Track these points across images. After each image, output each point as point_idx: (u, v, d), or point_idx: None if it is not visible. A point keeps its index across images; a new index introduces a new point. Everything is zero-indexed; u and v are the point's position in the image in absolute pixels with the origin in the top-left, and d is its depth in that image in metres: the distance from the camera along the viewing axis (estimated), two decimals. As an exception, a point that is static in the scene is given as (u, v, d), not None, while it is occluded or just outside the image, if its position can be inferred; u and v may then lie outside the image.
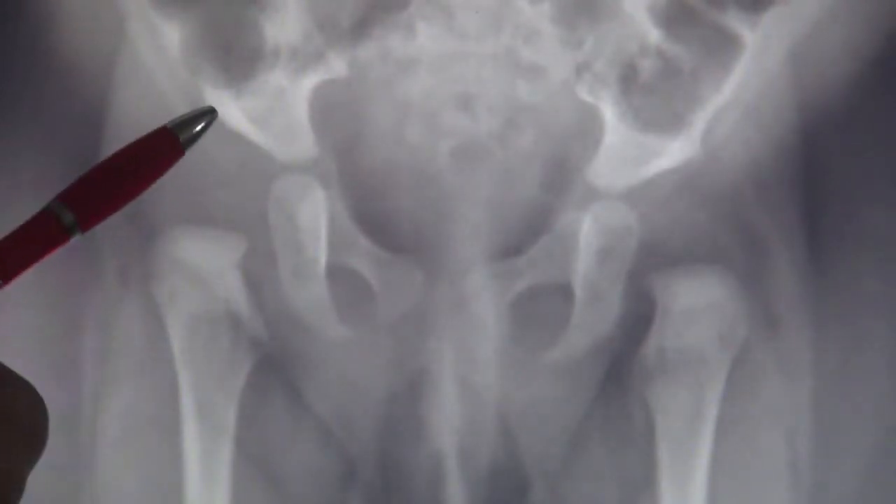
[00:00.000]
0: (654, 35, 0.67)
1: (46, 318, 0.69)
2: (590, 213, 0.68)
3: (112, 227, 0.69)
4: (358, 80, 0.67)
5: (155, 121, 0.68)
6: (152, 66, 0.68)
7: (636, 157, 0.68)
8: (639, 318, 0.69)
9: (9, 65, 0.69)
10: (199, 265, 0.69)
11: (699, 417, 0.68)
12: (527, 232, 0.68)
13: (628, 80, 0.67)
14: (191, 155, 0.69)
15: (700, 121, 0.67)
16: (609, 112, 0.67)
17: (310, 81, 0.67)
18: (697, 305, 0.69)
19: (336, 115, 0.68)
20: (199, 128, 0.55)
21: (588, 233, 0.68)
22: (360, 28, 0.67)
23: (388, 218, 0.68)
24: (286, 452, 0.70)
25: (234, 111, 0.68)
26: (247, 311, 0.69)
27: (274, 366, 0.69)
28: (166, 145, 0.54)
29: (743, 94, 0.67)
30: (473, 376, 0.68)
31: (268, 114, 0.68)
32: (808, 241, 0.68)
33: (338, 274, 0.69)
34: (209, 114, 0.53)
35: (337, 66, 0.67)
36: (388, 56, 0.67)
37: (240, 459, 0.69)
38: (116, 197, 0.54)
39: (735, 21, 0.66)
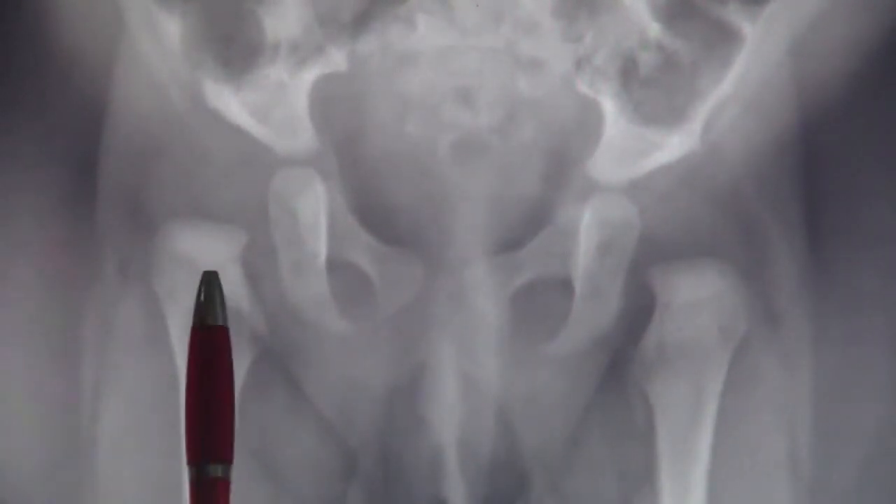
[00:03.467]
0: (654, 28, 0.66)
1: (46, 312, 0.69)
2: (590, 206, 0.68)
3: (112, 221, 0.69)
4: (358, 73, 0.67)
5: (155, 116, 0.69)
6: (152, 59, 0.68)
7: (636, 151, 0.68)
8: (639, 311, 0.69)
9: (8, 59, 0.69)
10: (199, 259, 0.69)
11: (699, 411, 0.68)
12: (527, 225, 0.68)
13: (628, 73, 0.67)
14: (191, 149, 0.69)
15: (700, 114, 0.67)
16: (609, 105, 0.67)
17: (310, 75, 0.67)
18: (698, 299, 0.68)
19: (336, 108, 0.68)
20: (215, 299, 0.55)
21: (588, 226, 0.68)
22: (360, 21, 0.67)
23: (388, 211, 0.68)
24: (286, 446, 0.70)
25: (233, 105, 0.68)
26: (247, 305, 0.69)
27: (274, 359, 0.69)
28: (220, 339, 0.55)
29: (743, 87, 0.67)
30: (474, 370, 0.68)
31: (268, 107, 0.68)
32: (809, 235, 0.68)
33: (338, 268, 0.69)
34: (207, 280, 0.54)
35: (337, 59, 0.67)
36: (389, 49, 0.67)
37: (239, 453, 0.69)
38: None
39: (735, 14, 0.66)
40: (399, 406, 0.69)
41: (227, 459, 0.55)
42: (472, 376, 0.68)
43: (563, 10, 0.66)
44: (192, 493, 0.54)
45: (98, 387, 0.69)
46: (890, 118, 0.68)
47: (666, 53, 0.66)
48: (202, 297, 0.55)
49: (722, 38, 0.66)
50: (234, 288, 0.69)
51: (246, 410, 0.69)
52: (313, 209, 0.68)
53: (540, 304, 0.69)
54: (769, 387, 0.69)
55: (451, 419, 0.68)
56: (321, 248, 0.69)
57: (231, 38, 0.67)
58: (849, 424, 0.68)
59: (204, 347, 0.55)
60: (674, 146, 0.68)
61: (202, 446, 0.54)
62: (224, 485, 0.55)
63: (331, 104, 0.68)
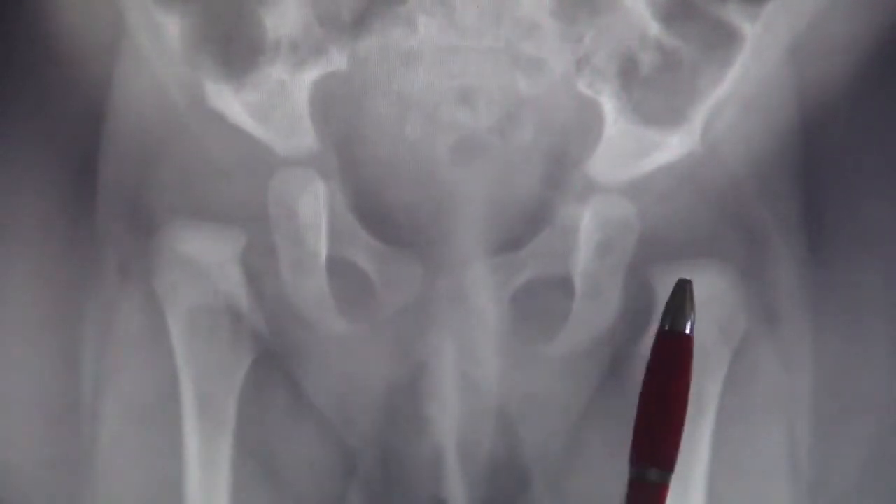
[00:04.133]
0: (653, 28, 0.67)
1: (47, 312, 0.69)
2: (590, 206, 0.68)
3: (112, 221, 0.69)
4: (358, 73, 0.67)
5: (155, 116, 0.69)
6: (152, 59, 0.68)
7: (636, 151, 0.68)
8: (639, 311, 0.69)
9: (8, 59, 0.69)
10: (199, 258, 0.69)
11: (699, 410, 0.68)
12: (527, 225, 0.68)
13: (628, 73, 0.67)
14: (191, 149, 0.69)
15: (700, 114, 0.67)
16: (609, 106, 0.67)
17: (310, 75, 0.67)
18: (698, 298, 0.68)
19: (336, 108, 0.68)
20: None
21: (588, 226, 0.68)
22: (361, 21, 0.67)
23: (388, 211, 0.68)
24: (286, 445, 0.70)
25: (234, 105, 0.68)
26: (247, 305, 0.69)
27: (274, 359, 0.69)
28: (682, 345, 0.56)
29: (743, 87, 0.67)
30: (473, 370, 0.68)
31: (268, 107, 0.68)
32: (809, 235, 0.68)
33: (338, 267, 0.69)
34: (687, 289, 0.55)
35: (337, 59, 0.67)
36: (389, 50, 0.67)
37: (240, 453, 0.69)
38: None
39: (735, 14, 0.66)
40: (399, 406, 0.69)
41: (668, 468, 0.55)
42: (471, 376, 0.68)
43: (562, 10, 0.66)
44: (630, 493, 0.57)
45: (98, 387, 0.69)
46: (890, 117, 0.68)
47: (666, 53, 0.67)
48: (674, 302, 0.56)
49: (722, 39, 0.67)
50: (234, 288, 0.69)
51: (246, 410, 0.70)
52: (313, 209, 0.68)
53: (540, 304, 0.69)
54: (769, 386, 0.69)
55: (450, 419, 0.68)
56: (321, 248, 0.69)
57: (231, 38, 0.67)
58: (848, 424, 0.68)
59: (670, 353, 0.56)
60: (674, 146, 0.68)
61: (648, 450, 0.55)
62: (663, 491, 0.56)
63: (331, 104, 0.68)
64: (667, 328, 0.58)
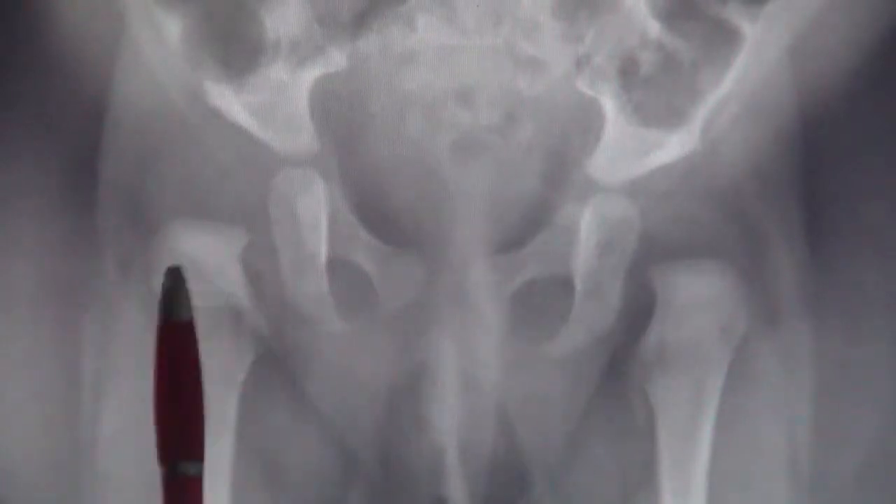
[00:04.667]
0: (654, 28, 0.67)
1: (47, 312, 0.69)
2: (590, 206, 0.68)
3: (112, 221, 0.69)
4: (358, 73, 0.67)
5: (155, 116, 0.69)
6: (152, 59, 0.68)
7: (636, 151, 0.68)
8: (639, 311, 0.69)
9: (8, 59, 0.69)
10: (199, 259, 0.69)
11: (699, 410, 0.68)
12: (527, 225, 0.68)
13: (628, 73, 0.67)
14: (191, 149, 0.69)
15: (700, 114, 0.67)
16: (609, 105, 0.67)
17: (310, 74, 0.67)
18: (698, 298, 0.69)
19: (336, 108, 0.68)
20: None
21: (588, 226, 0.68)
22: (361, 21, 0.67)
23: (388, 211, 0.68)
24: (287, 446, 0.70)
25: (234, 104, 0.68)
26: (247, 305, 0.69)
27: (275, 359, 0.69)
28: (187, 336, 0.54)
29: (743, 87, 0.67)
30: (474, 369, 0.68)
31: (268, 107, 0.68)
32: (809, 234, 0.68)
33: (338, 267, 0.69)
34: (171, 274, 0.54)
35: (337, 59, 0.67)
36: (389, 49, 0.67)
37: (240, 453, 0.69)
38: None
39: (735, 14, 0.66)
40: (400, 405, 0.69)
41: (198, 457, 0.54)
42: (472, 376, 0.68)
43: (563, 9, 0.66)
44: (168, 493, 0.54)
45: (98, 387, 0.69)
46: (890, 117, 0.68)
47: (666, 53, 0.67)
48: (168, 292, 0.54)
49: (722, 38, 0.66)
50: (234, 288, 0.69)
51: (246, 410, 0.69)
52: (314, 209, 0.68)
53: (540, 303, 0.69)
54: (769, 386, 0.69)
55: (451, 418, 0.68)
56: (322, 248, 0.69)
57: (231, 38, 0.67)
58: (849, 424, 0.68)
59: (176, 344, 0.54)
60: (674, 146, 0.68)
61: (177, 444, 0.54)
62: (196, 482, 0.54)
63: (331, 104, 0.68)
64: (165, 321, 0.56)
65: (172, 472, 0.54)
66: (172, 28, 0.67)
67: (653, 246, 0.68)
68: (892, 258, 0.69)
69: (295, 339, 0.69)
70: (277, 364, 0.69)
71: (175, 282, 0.55)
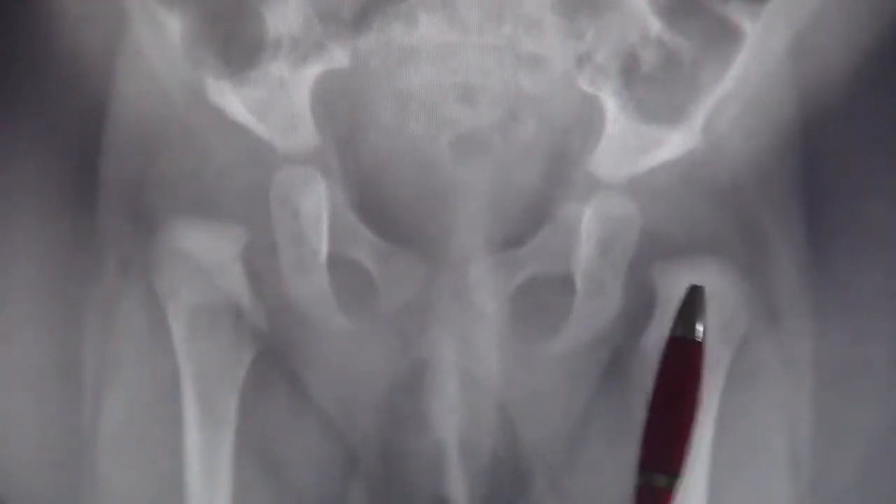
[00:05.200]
0: (655, 25, 0.67)
1: (47, 310, 0.69)
2: (591, 203, 0.68)
3: (113, 219, 0.69)
4: (359, 70, 0.67)
5: (156, 114, 0.69)
6: (153, 56, 0.68)
7: (637, 148, 0.68)
8: (640, 308, 0.69)
9: (9, 57, 0.69)
10: (199, 256, 0.69)
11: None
12: (528, 223, 0.68)
13: (630, 70, 0.67)
14: (192, 146, 0.69)
15: (701, 112, 0.67)
16: (610, 103, 0.67)
17: (311, 72, 0.67)
18: (699, 296, 0.69)
19: (337, 105, 0.68)
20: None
21: (589, 223, 0.68)
22: (362, 18, 0.67)
23: (389, 209, 0.68)
24: (288, 443, 0.70)
25: (235, 102, 0.68)
26: (248, 303, 0.69)
27: (275, 357, 0.69)
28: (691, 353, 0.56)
29: (744, 84, 0.68)
30: (475, 367, 0.68)
31: (269, 104, 0.68)
32: (810, 232, 0.68)
33: (339, 265, 0.69)
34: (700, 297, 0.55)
35: (338, 56, 0.67)
36: (390, 46, 0.67)
37: (241, 451, 0.69)
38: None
39: (736, 12, 0.66)
40: (400, 403, 0.69)
41: (675, 472, 0.55)
42: (473, 373, 0.68)
43: (564, 7, 0.67)
44: (638, 499, 0.59)
45: (98, 385, 0.69)
46: (890, 115, 0.68)
47: (667, 51, 0.67)
48: (686, 309, 0.56)
49: (723, 36, 0.67)
50: (234, 286, 0.69)
51: (247, 408, 0.69)
52: (314, 206, 0.68)
53: (541, 301, 0.69)
54: (770, 384, 0.69)
55: (452, 416, 0.68)
56: (322, 246, 0.69)
57: (232, 35, 0.67)
58: (850, 422, 0.68)
59: (682, 360, 0.56)
60: (675, 143, 0.68)
61: (657, 456, 0.55)
62: (670, 496, 0.58)
63: (332, 101, 0.68)
64: (678, 335, 0.58)
65: (647, 480, 0.55)
66: (173, 26, 0.68)
67: (654, 244, 0.68)
68: (893, 257, 0.69)
69: (295, 337, 0.69)
70: (278, 362, 0.69)
71: (694, 300, 0.56)
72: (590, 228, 0.68)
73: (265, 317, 0.69)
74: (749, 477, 0.69)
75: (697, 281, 0.67)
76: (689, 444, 0.56)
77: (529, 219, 0.68)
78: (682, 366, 0.57)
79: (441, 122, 0.67)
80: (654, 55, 0.67)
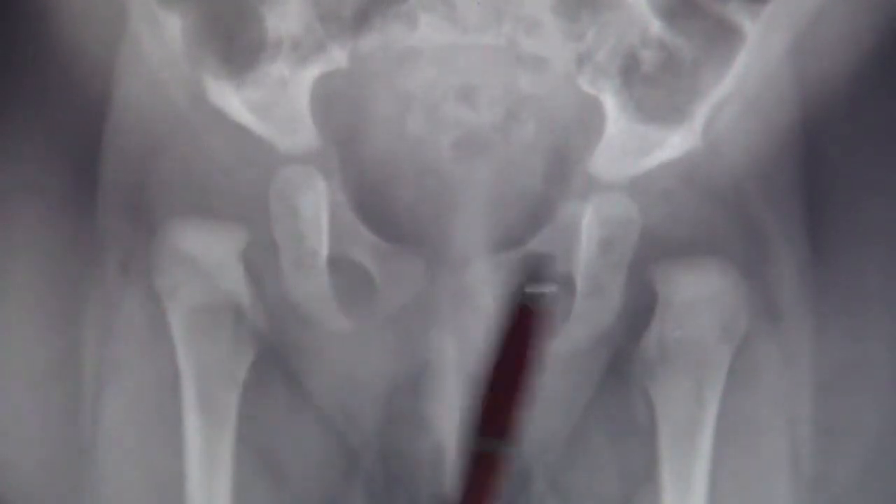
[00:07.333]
0: (655, 26, 0.67)
1: (47, 310, 0.69)
2: (591, 204, 0.68)
3: (113, 219, 0.69)
4: (359, 71, 0.67)
5: (156, 114, 0.69)
6: (153, 56, 0.68)
7: (638, 149, 0.68)
8: (640, 309, 0.69)
9: (10, 56, 0.69)
10: (200, 257, 0.69)
11: (700, 408, 0.68)
12: (528, 223, 0.68)
13: (630, 71, 0.67)
14: (192, 146, 0.69)
15: (701, 112, 0.67)
16: (610, 103, 0.67)
17: (311, 72, 0.67)
18: (699, 297, 0.69)
19: (337, 106, 0.68)
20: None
21: (589, 224, 0.68)
22: (362, 19, 0.67)
23: (389, 209, 0.68)
24: (288, 444, 0.70)
25: (235, 102, 0.68)
26: (248, 303, 0.69)
27: (275, 357, 0.69)
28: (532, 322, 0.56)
29: (744, 85, 0.68)
30: (475, 367, 0.68)
31: (269, 105, 0.68)
32: (810, 233, 0.68)
33: (339, 265, 0.69)
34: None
35: (338, 57, 0.67)
36: (390, 47, 0.67)
37: (241, 451, 0.69)
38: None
39: (736, 12, 0.66)
40: (400, 403, 0.69)
41: (506, 438, 0.56)
42: (473, 374, 0.68)
43: (564, 7, 0.67)
44: (469, 462, 0.57)
45: (98, 386, 0.69)
46: (890, 115, 0.68)
47: (667, 51, 0.67)
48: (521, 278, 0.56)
49: (723, 37, 0.67)
50: (235, 286, 0.69)
51: (247, 408, 0.70)
52: (315, 207, 0.68)
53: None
54: (770, 384, 0.69)
55: (452, 416, 0.68)
56: (322, 246, 0.69)
57: (232, 36, 0.67)
58: (850, 422, 0.69)
59: (516, 326, 0.56)
60: (675, 144, 0.68)
61: (489, 421, 0.55)
62: (500, 462, 0.56)
63: (332, 102, 0.68)
64: (517, 301, 0.57)
65: (481, 445, 0.55)
66: (173, 26, 0.68)
67: (654, 244, 0.68)
68: (893, 256, 0.69)
69: (296, 337, 0.69)
70: (278, 362, 0.70)
71: (529, 268, 0.56)
72: (590, 229, 0.68)
73: (265, 317, 0.69)
74: (750, 475, 0.69)
75: (697, 281, 0.68)
76: (520, 410, 0.56)
77: (529, 219, 0.68)
78: (515, 332, 0.56)
79: (441, 123, 0.67)
80: (655, 55, 0.67)
